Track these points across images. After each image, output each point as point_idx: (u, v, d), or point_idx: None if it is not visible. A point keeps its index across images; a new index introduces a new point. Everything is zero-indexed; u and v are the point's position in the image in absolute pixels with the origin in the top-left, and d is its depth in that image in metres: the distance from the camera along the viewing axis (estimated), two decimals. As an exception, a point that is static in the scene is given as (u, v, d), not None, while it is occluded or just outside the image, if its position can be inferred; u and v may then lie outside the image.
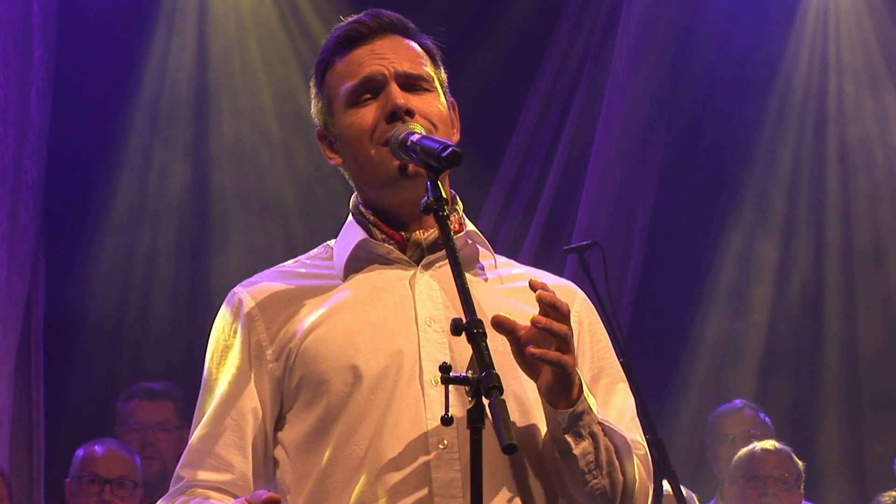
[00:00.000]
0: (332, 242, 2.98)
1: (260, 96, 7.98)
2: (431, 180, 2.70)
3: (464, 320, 2.55)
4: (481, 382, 2.49)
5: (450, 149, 2.69)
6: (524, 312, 2.78)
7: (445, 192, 2.72)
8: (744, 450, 6.60)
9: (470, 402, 2.51)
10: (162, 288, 7.82)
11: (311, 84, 2.99)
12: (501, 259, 3.00)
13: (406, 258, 2.89)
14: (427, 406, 2.77)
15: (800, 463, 6.53)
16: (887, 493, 6.64)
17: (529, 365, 2.70)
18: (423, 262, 2.88)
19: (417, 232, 2.89)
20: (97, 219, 7.74)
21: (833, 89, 8.19)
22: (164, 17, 7.87)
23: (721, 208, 8.22)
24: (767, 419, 7.18)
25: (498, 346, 2.76)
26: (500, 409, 2.46)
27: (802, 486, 6.55)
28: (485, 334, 2.53)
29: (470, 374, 2.51)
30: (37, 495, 6.97)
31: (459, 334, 2.55)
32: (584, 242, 6.01)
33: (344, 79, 2.91)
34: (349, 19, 2.96)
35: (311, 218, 7.89)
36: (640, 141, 7.94)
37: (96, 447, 6.27)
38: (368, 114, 2.87)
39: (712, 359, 8.12)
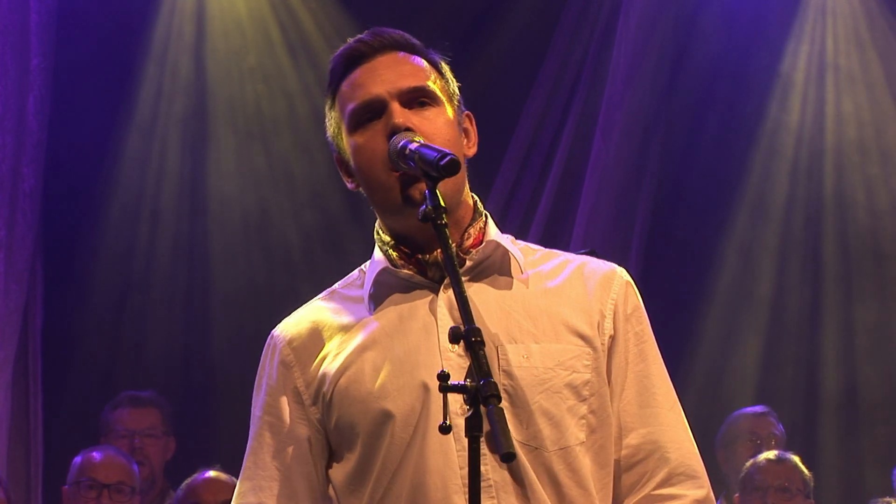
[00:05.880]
0: (365, 266, 2.96)
1: (261, 106, 7.98)
2: (430, 189, 2.69)
3: (462, 328, 2.54)
4: (479, 391, 2.48)
5: (448, 157, 2.67)
6: (557, 314, 2.83)
7: (445, 202, 2.69)
8: (751, 460, 6.62)
9: (468, 410, 2.50)
10: (159, 297, 7.82)
11: (327, 108, 2.97)
12: (539, 254, 2.97)
13: (427, 280, 2.86)
14: (456, 437, 2.73)
15: (806, 472, 6.51)
16: (883, 499, 6.63)
17: None
18: (445, 281, 2.84)
19: (437, 251, 2.83)
20: (94, 227, 7.74)
21: (831, 93, 8.19)
22: (162, 25, 7.87)
23: (719, 216, 8.22)
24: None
25: (522, 361, 2.78)
26: (497, 417, 2.45)
27: (812, 496, 6.52)
28: (482, 342, 2.52)
29: (468, 382, 2.50)
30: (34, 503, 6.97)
31: (458, 342, 2.55)
32: (582, 251, 5.99)
33: (347, 101, 2.89)
34: (352, 39, 2.94)
35: (315, 225, 7.91)
36: (638, 149, 7.95)
37: (94, 453, 6.28)
38: (373, 136, 2.85)
39: (711, 366, 8.12)
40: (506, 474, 2.74)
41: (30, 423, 7.01)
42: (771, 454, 6.59)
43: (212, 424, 7.72)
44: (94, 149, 7.71)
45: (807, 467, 6.57)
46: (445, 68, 2.98)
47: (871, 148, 8.15)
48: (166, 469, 6.91)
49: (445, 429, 2.54)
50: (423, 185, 2.74)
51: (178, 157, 7.86)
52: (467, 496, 2.72)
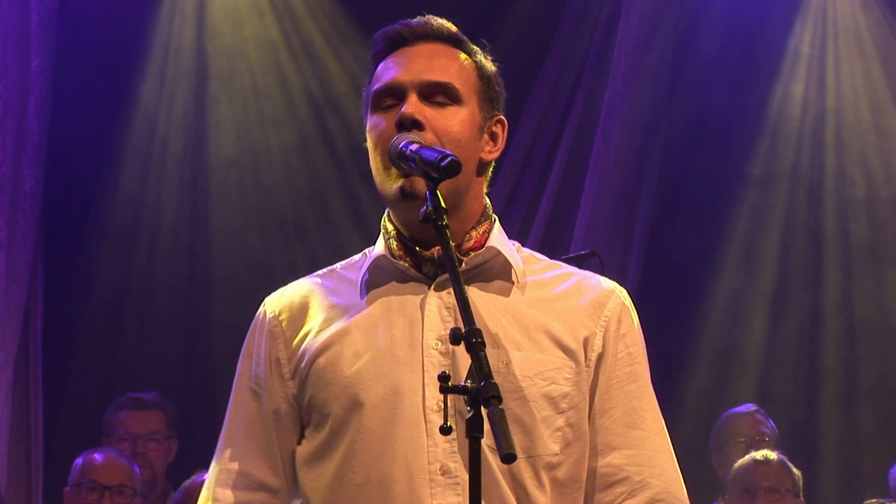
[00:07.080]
0: (369, 250, 2.94)
1: (260, 110, 7.97)
2: (430, 189, 2.68)
3: (463, 329, 2.53)
4: (480, 392, 2.47)
5: (448, 158, 2.67)
6: (545, 325, 2.81)
7: (445, 202, 2.68)
8: (739, 461, 6.60)
9: (469, 411, 2.49)
10: (160, 298, 7.82)
11: (366, 86, 2.95)
12: (542, 264, 2.95)
13: (421, 275, 2.85)
14: (429, 432, 2.74)
15: (796, 472, 6.51)
16: (871, 501, 6.64)
17: None
18: (438, 280, 2.83)
19: (435, 249, 2.82)
20: (95, 228, 7.74)
21: (831, 94, 8.19)
22: (163, 25, 7.87)
23: (720, 215, 8.22)
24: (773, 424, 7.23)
25: (500, 366, 2.77)
26: (499, 418, 2.44)
27: (801, 495, 6.53)
28: (483, 343, 2.51)
29: (469, 383, 2.49)
30: (35, 504, 6.98)
31: (458, 343, 2.54)
32: (582, 252, 5.99)
33: (375, 82, 2.89)
34: (401, 21, 2.92)
35: (317, 223, 7.90)
36: (639, 150, 7.94)
37: (95, 455, 6.27)
38: (387, 120, 2.84)
39: (711, 369, 8.11)
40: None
41: (30, 424, 7.01)
42: (759, 454, 6.57)
43: (214, 425, 7.70)
44: (94, 149, 7.72)
45: (797, 465, 6.57)
46: (489, 69, 2.96)
47: (873, 153, 8.15)
48: (167, 470, 6.90)
49: (446, 430, 2.54)
50: (417, 180, 2.75)
51: (178, 157, 7.86)
52: (431, 489, 2.73)
